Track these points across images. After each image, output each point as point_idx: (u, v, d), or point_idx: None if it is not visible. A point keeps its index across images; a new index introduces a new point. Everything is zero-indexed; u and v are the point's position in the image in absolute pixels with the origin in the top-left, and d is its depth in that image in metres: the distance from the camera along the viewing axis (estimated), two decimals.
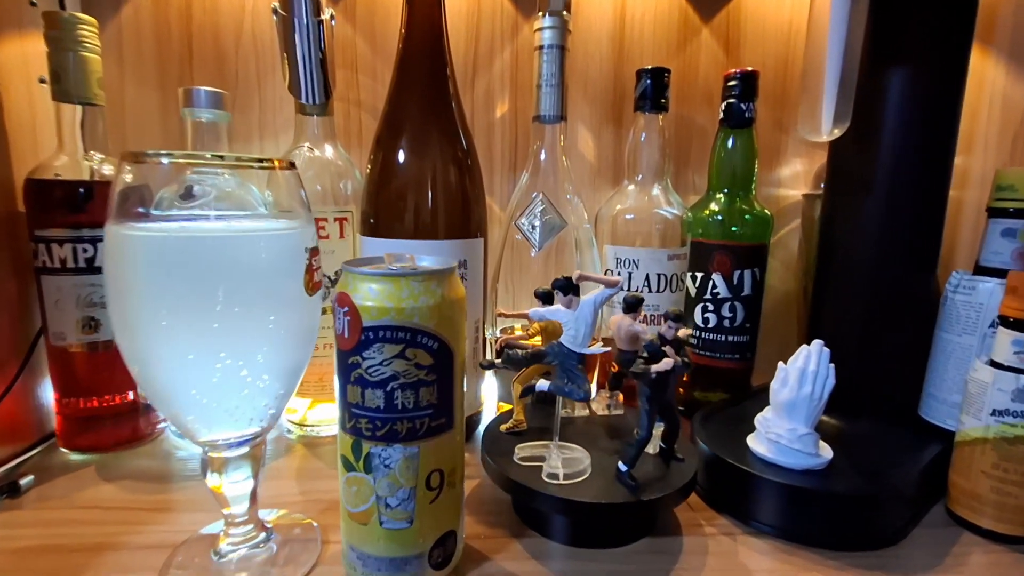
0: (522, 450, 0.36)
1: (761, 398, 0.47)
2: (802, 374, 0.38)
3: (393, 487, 0.28)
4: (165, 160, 0.25)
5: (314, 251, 0.29)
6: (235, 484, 0.29)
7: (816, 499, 0.35)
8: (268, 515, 0.36)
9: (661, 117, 0.49)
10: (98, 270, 0.42)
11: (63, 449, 0.44)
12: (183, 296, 0.24)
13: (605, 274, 0.50)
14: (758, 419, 0.41)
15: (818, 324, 0.47)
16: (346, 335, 0.27)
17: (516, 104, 0.57)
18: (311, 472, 0.43)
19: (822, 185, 0.55)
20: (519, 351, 0.33)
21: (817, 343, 0.38)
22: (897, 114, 0.40)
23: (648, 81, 0.49)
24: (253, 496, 0.31)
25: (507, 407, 0.49)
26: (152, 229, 0.25)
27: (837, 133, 0.37)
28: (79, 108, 0.42)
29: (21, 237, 0.42)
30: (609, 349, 0.33)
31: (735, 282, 0.50)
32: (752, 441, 0.40)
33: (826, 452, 0.38)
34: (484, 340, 0.48)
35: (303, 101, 0.45)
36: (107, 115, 0.50)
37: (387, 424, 0.27)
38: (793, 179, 0.59)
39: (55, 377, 0.44)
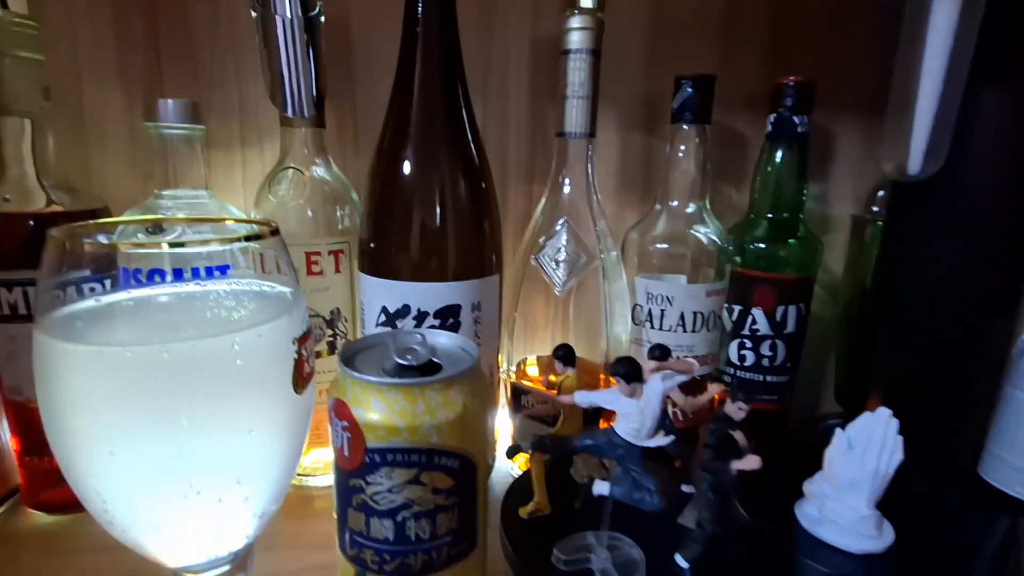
0: (564, 549, 0.29)
1: (805, 441, 0.43)
2: (867, 448, 0.33)
3: None
4: (103, 241, 0.20)
5: (304, 338, 0.24)
6: None
7: None
8: None
9: (704, 130, 0.43)
10: None
11: (28, 509, 0.39)
12: (137, 421, 0.19)
13: (633, 311, 0.45)
14: (809, 488, 0.36)
15: (868, 365, 0.43)
16: (346, 453, 0.22)
17: (533, 111, 0.50)
18: (310, 539, 0.38)
19: (873, 208, 0.50)
20: (562, 442, 0.28)
21: (885, 412, 0.33)
22: (992, 142, 0.34)
23: (690, 90, 0.42)
24: None
25: (525, 457, 0.44)
26: (91, 327, 0.19)
27: (929, 172, 0.31)
28: (26, 122, 0.36)
29: None
30: (672, 439, 0.28)
31: (778, 319, 0.45)
32: (802, 513, 0.36)
33: (887, 533, 0.34)
34: (499, 381, 0.44)
35: (289, 114, 0.39)
36: (62, 124, 0.44)
37: (397, 557, 0.22)
38: (840, 197, 0.53)
39: (14, 432, 0.39)
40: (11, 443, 0.39)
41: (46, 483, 0.39)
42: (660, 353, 0.30)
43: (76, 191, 0.38)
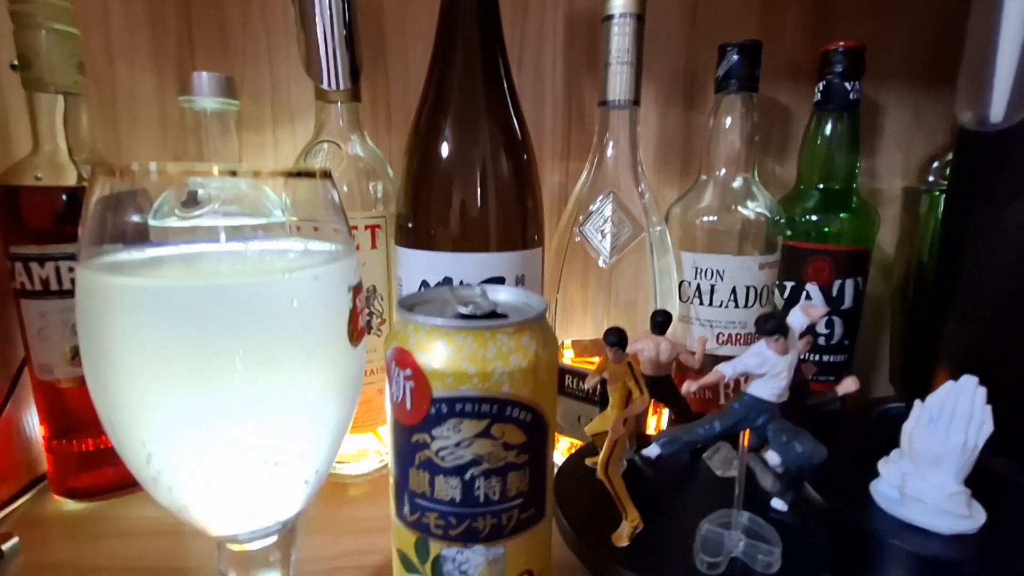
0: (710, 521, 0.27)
1: (866, 425, 0.41)
2: (952, 420, 0.31)
3: None
4: (154, 170, 0.18)
5: (358, 289, 0.22)
6: None
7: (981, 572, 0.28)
8: None
9: (750, 98, 0.41)
10: None
11: (56, 496, 0.38)
12: (188, 362, 0.18)
13: (680, 288, 0.43)
14: (886, 467, 0.33)
15: (927, 344, 0.40)
16: (408, 406, 0.20)
17: (569, 86, 0.49)
18: (347, 524, 0.36)
19: (929, 179, 0.47)
20: (690, 434, 0.27)
21: (971, 380, 0.31)
22: None
23: (736, 57, 0.40)
24: None
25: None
26: (141, 271, 0.18)
27: (1013, 120, 0.29)
28: (59, 98, 0.35)
29: None
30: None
31: (834, 294, 0.43)
32: (878, 493, 0.33)
33: (978, 512, 0.31)
34: None
35: (325, 86, 0.38)
36: (93, 104, 0.43)
37: (465, 521, 0.20)
38: (889, 171, 0.51)
39: (43, 415, 0.37)
40: (39, 429, 0.38)
41: (74, 469, 0.37)
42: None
43: None
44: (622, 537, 0.26)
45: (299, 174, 0.21)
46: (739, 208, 0.41)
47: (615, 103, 0.39)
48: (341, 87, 0.38)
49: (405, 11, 0.47)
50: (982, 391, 0.31)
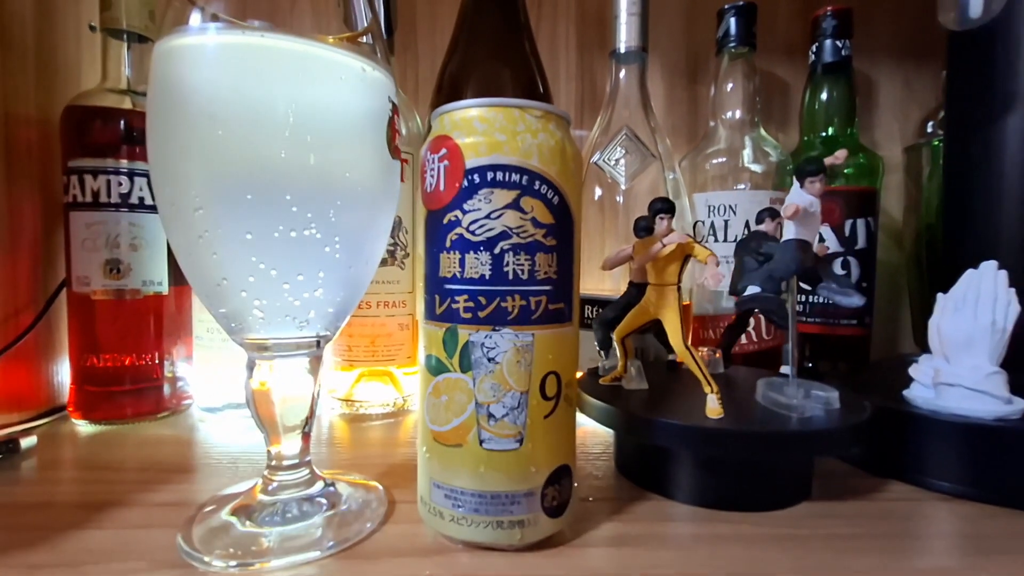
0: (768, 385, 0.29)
1: (893, 368, 0.39)
2: (978, 302, 0.30)
3: (499, 390, 0.21)
4: None
5: (396, 108, 0.24)
6: (290, 387, 0.22)
7: None
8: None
9: (750, 54, 0.45)
10: (132, 207, 0.38)
11: (75, 420, 0.38)
12: (244, 116, 0.19)
13: (694, 227, 0.44)
14: (916, 370, 0.33)
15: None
16: (441, 187, 0.21)
17: (583, 38, 0.53)
18: (362, 441, 0.35)
19: (927, 131, 0.49)
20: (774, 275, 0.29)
21: (991, 264, 0.31)
22: None
23: (733, 19, 0.44)
24: (307, 432, 0.24)
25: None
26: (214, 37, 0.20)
27: (991, 15, 0.31)
28: (125, 42, 0.39)
29: (54, 176, 0.38)
30: None
31: (847, 234, 0.44)
32: (914, 396, 0.32)
33: (1020, 402, 0.30)
34: None
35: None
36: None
37: (493, 300, 0.20)
38: (888, 140, 0.53)
39: (73, 331, 0.38)
40: (68, 343, 0.39)
41: (96, 398, 0.38)
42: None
43: None
44: (715, 409, 0.26)
45: None
46: (748, 146, 0.43)
47: (625, 51, 0.42)
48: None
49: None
50: (1003, 273, 0.31)
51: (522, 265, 0.21)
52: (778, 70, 0.53)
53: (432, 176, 0.21)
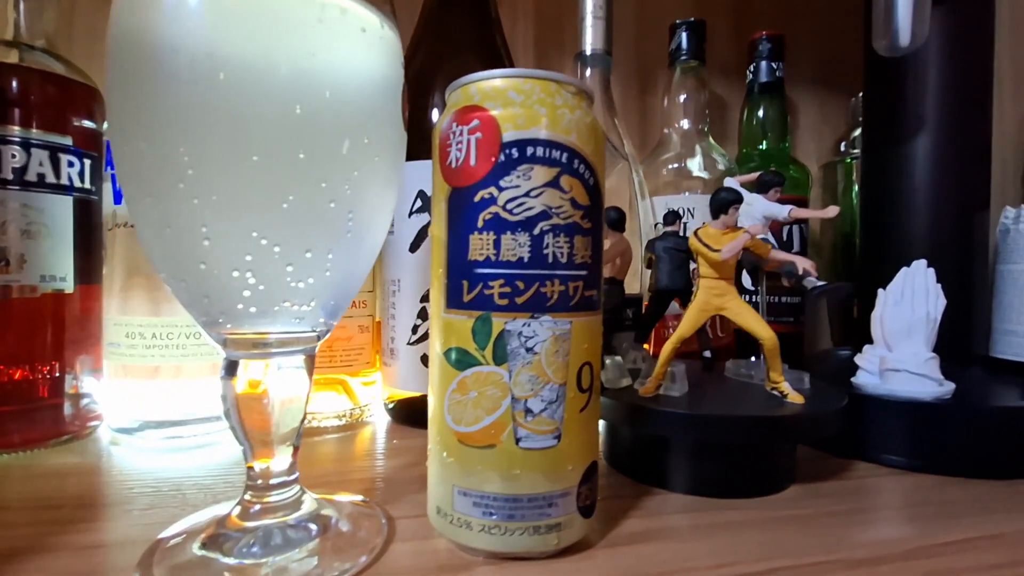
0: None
1: (828, 360, 0.43)
2: (913, 296, 0.34)
3: (537, 382, 0.19)
4: None
5: (406, 89, 0.22)
6: (287, 389, 0.19)
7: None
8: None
9: (700, 66, 0.47)
10: (28, 185, 0.31)
11: None
12: (258, 59, 0.16)
13: (654, 228, 0.45)
14: (862, 358, 0.36)
15: (875, 281, 0.45)
16: (472, 162, 0.19)
17: (540, 40, 0.53)
18: (324, 456, 0.31)
19: (840, 149, 0.56)
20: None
21: (920, 263, 0.35)
22: (936, 50, 0.40)
23: (684, 33, 0.47)
24: (296, 444, 0.20)
25: None
26: None
27: (917, 43, 0.36)
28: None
29: None
30: None
31: (784, 238, 0.47)
32: (861, 383, 0.35)
33: (948, 383, 0.34)
34: None
35: None
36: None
37: (532, 285, 0.19)
38: (804, 157, 0.59)
39: None
40: None
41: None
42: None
43: (72, 66, 0.34)
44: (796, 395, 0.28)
45: None
46: (699, 154, 0.46)
47: (592, 52, 0.43)
48: None
49: None
50: (931, 271, 0.35)
51: (561, 248, 0.19)
52: (716, 88, 0.57)
53: (460, 150, 0.19)
